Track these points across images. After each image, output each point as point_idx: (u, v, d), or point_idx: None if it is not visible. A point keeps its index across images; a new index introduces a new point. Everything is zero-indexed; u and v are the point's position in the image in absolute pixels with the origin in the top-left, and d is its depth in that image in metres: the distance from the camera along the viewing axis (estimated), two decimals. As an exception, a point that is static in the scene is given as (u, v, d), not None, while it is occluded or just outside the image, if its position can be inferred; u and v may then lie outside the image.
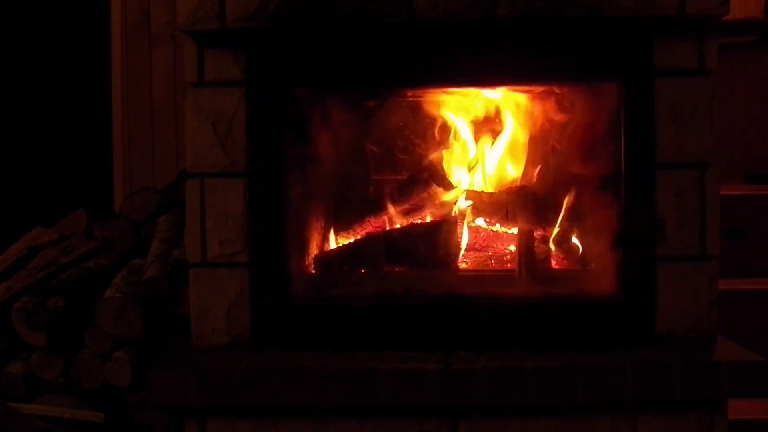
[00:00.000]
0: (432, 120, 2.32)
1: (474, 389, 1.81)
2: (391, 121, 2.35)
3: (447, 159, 2.34)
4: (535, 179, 2.28)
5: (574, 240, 2.21)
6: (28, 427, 2.01)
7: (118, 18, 3.49)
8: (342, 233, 2.30)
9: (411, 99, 2.30)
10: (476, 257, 2.26)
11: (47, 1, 3.70)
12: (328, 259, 2.21)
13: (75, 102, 3.69)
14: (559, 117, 2.24)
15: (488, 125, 2.32)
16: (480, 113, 2.29)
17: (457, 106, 2.30)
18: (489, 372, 1.82)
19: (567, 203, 2.18)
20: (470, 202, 2.25)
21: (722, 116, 1.98)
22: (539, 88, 2.19)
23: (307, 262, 2.16)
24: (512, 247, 2.22)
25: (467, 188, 2.30)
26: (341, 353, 1.93)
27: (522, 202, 2.21)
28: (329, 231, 2.28)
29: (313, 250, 2.20)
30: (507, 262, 2.23)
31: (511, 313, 1.98)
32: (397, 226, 2.28)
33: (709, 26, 1.92)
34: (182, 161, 2.17)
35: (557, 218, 2.21)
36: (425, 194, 2.27)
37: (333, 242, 2.28)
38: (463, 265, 2.21)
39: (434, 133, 2.34)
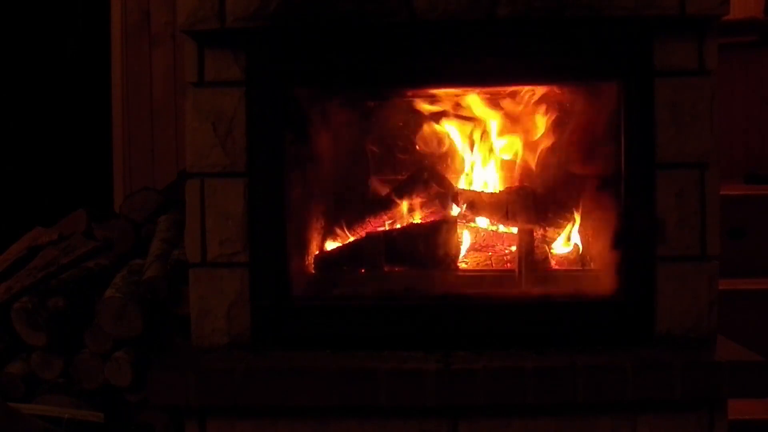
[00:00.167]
0: (431, 120, 2.32)
1: (474, 389, 1.81)
2: (391, 121, 2.35)
3: (447, 159, 2.34)
4: (535, 179, 2.28)
5: (574, 240, 2.21)
6: (28, 427, 2.01)
7: (118, 18, 3.49)
8: (342, 233, 2.29)
9: (411, 99, 2.30)
10: (476, 257, 2.26)
11: (47, 1, 3.70)
12: (328, 259, 2.21)
13: (75, 102, 3.69)
14: (559, 117, 2.24)
15: (488, 125, 2.32)
16: (480, 113, 2.29)
17: (456, 106, 2.30)
18: (489, 372, 1.82)
19: (567, 203, 2.18)
20: (470, 202, 2.25)
21: (722, 116, 1.98)
22: (539, 88, 2.19)
23: (307, 262, 2.16)
24: (513, 248, 2.22)
25: (467, 188, 2.30)
26: (341, 353, 1.93)
27: (522, 202, 2.21)
28: (329, 231, 2.28)
29: (313, 250, 2.20)
30: (507, 262, 2.23)
31: (511, 313, 1.98)
32: (398, 226, 2.28)
33: (709, 26, 1.92)
34: (182, 161, 2.17)
35: (557, 218, 2.21)
36: (425, 194, 2.27)
37: (333, 242, 2.28)
38: (463, 265, 2.21)
39: (434, 133, 2.34)
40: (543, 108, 2.23)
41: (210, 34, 1.95)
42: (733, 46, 3.38)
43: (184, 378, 1.85)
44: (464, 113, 2.30)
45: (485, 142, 2.32)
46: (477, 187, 2.32)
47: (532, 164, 2.29)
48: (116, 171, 3.53)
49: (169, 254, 2.35)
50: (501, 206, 2.23)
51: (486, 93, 2.26)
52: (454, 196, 2.26)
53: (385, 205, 2.30)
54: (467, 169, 2.34)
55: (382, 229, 2.27)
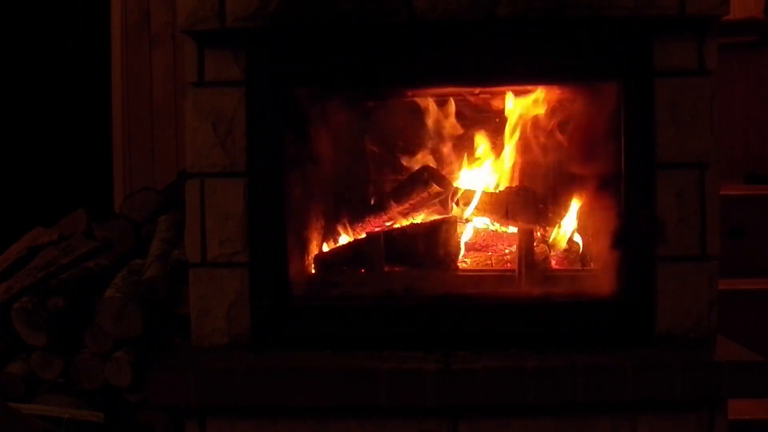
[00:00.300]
0: (431, 120, 2.32)
1: (474, 389, 1.81)
2: (391, 121, 2.35)
3: (447, 159, 2.34)
4: (535, 179, 2.28)
5: (575, 240, 2.21)
6: (28, 427, 2.01)
7: (118, 18, 3.49)
8: (342, 233, 2.29)
9: (411, 99, 2.30)
10: (476, 257, 2.26)
11: (47, 1, 3.70)
12: (328, 259, 2.21)
13: (75, 102, 3.69)
14: (559, 117, 2.24)
15: (488, 125, 2.32)
16: (480, 113, 2.29)
17: (456, 106, 2.30)
18: (489, 372, 1.82)
19: (567, 203, 2.18)
20: (470, 202, 2.25)
21: (722, 116, 1.98)
22: (539, 88, 2.19)
23: (307, 262, 2.16)
24: (513, 248, 2.22)
25: (467, 188, 2.29)
26: (341, 353, 1.93)
27: (522, 202, 2.21)
28: (329, 231, 2.28)
29: (313, 250, 2.20)
30: (507, 262, 2.23)
31: (511, 313, 1.98)
32: (397, 225, 2.28)
33: (709, 26, 1.92)
34: (182, 161, 2.17)
35: (557, 218, 2.21)
36: (425, 194, 2.27)
37: (333, 242, 2.28)
38: (463, 265, 2.21)
39: (434, 133, 2.34)
40: (543, 108, 2.23)
41: (210, 34, 1.95)
42: (733, 46, 3.38)
43: (184, 378, 1.85)
44: (464, 113, 2.30)
45: (485, 142, 2.32)
46: (477, 187, 2.32)
47: (532, 164, 2.29)
48: (116, 171, 3.53)
49: (169, 254, 2.35)
50: (501, 206, 2.23)
51: (486, 93, 2.27)
52: (454, 196, 2.26)
53: (385, 205, 2.30)
54: (467, 169, 2.34)
55: (382, 229, 2.27)
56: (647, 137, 1.94)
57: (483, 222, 2.29)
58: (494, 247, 2.29)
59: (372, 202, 2.38)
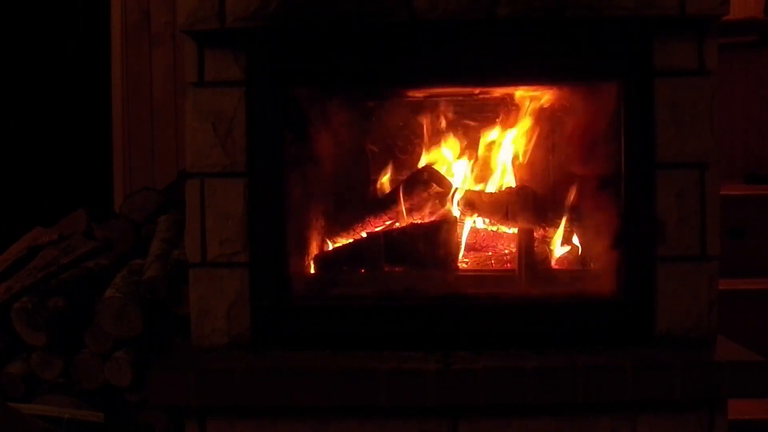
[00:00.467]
0: (431, 120, 2.32)
1: (474, 389, 1.81)
2: (391, 121, 2.35)
3: (447, 159, 2.34)
4: (535, 179, 2.28)
5: (575, 240, 2.21)
6: (28, 427, 2.01)
7: (118, 18, 3.49)
8: (342, 233, 2.29)
9: (411, 99, 2.30)
10: (476, 257, 2.26)
11: (47, 1, 3.70)
12: (328, 259, 2.21)
13: (75, 102, 3.68)
14: (559, 117, 2.24)
15: (488, 125, 2.32)
16: (480, 113, 2.29)
17: (456, 106, 2.30)
18: (489, 372, 1.82)
19: (567, 203, 2.18)
20: (470, 202, 2.25)
21: (722, 116, 1.98)
22: (539, 88, 2.19)
23: (307, 262, 2.16)
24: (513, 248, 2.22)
25: (467, 188, 2.29)
26: (341, 353, 1.93)
27: (522, 202, 2.21)
28: (329, 231, 2.28)
29: (313, 250, 2.20)
30: (507, 262, 2.22)
31: (511, 313, 1.98)
32: (397, 225, 2.28)
33: (709, 26, 1.92)
34: (182, 161, 2.17)
35: (557, 218, 2.21)
36: (425, 194, 2.27)
37: (333, 242, 2.28)
38: (463, 265, 2.21)
39: (434, 133, 2.34)
40: (543, 108, 2.23)
41: (210, 34, 1.95)
42: (733, 46, 3.38)
43: (184, 378, 1.85)
44: (464, 113, 2.30)
45: (485, 142, 2.32)
46: (477, 187, 2.32)
47: (532, 164, 2.29)
48: (116, 171, 3.53)
49: (169, 254, 2.35)
50: (501, 206, 2.23)
51: (486, 93, 2.27)
52: (455, 195, 2.26)
53: (385, 205, 2.30)
54: (467, 169, 2.34)
55: (382, 229, 2.27)
56: (647, 137, 1.94)
57: (483, 222, 2.29)
58: (494, 247, 2.29)
59: (372, 202, 2.38)
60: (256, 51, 1.98)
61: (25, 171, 3.70)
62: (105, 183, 3.55)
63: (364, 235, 2.26)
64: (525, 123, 2.26)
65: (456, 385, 1.82)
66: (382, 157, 2.39)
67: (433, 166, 2.30)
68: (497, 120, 2.31)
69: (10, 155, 3.71)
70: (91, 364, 2.23)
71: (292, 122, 2.04)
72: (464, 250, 2.24)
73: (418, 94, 2.27)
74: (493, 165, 2.33)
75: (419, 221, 2.27)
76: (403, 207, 2.28)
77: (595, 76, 2.03)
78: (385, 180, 2.36)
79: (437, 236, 2.15)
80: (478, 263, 2.24)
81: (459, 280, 2.12)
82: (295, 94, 2.06)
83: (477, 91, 2.26)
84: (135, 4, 3.49)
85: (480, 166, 2.34)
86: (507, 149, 2.31)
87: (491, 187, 2.31)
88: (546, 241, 2.22)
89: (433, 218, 2.26)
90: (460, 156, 2.34)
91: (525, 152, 2.29)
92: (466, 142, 2.33)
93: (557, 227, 2.22)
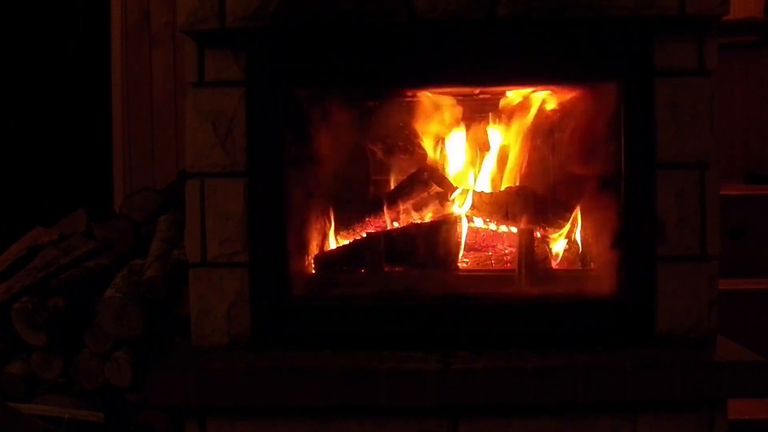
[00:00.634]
0: (431, 120, 2.32)
1: (474, 389, 1.81)
2: (391, 121, 2.35)
3: (447, 159, 2.34)
4: (535, 179, 2.28)
5: (574, 240, 2.21)
6: (28, 427, 2.01)
7: (118, 18, 3.49)
8: (342, 233, 2.29)
9: (411, 99, 2.30)
10: (476, 257, 2.26)
11: (47, 1, 3.70)
12: (328, 259, 2.21)
13: (75, 102, 3.68)
14: (559, 117, 2.24)
15: (488, 125, 2.32)
16: (480, 113, 2.29)
17: (456, 106, 2.30)
18: (489, 372, 1.82)
19: (567, 203, 2.18)
20: (470, 202, 2.25)
21: (722, 116, 1.98)
22: (539, 88, 2.19)
23: (307, 262, 2.16)
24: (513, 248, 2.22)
25: (467, 188, 2.29)
26: (341, 353, 1.93)
27: (522, 202, 2.21)
28: (329, 231, 2.28)
29: (313, 250, 2.20)
30: (507, 262, 2.22)
31: (511, 313, 1.98)
32: (397, 225, 2.28)
33: (709, 26, 1.92)
34: (182, 161, 2.17)
35: (557, 218, 2.21)
36: (425, 194, 2.27)
37: (333, 242, 2.28)
38: (463, 265, 2.21)
39: (433, 133, 2.34)
40: (543, 108, 2.23)
41: (210, 34, 1.95)
42: (733, 46, 3.38)
43: (184, 378, 1.85)
44: (464, 113, 2.30)
45: (485, 142, 2.32)
46: (477, 187, 2.32)
47: (532, 164, 2.29)
48: (116, 171, 3.53)
49: (169, 254, 2.35)
50: (501, 206, 2.23)
51: (486, 93, 2.27)
52: (455, 195, 2.26)
53: (386, 204, 2.30)
54: (467, 169, 2.34)
55: (382, 229, 2.27)
56: (647, 137, 1.94)
57: (483, 222, 2.29)
58: (494, 247, 2.29)
59: (372, 202, 2.38)
60: (256, 51, 1.98)
61: (25, 171, 3.70)
62: (105, 183, 3.55)
63: (364, 235, 2.26)
64: (525, 123, 2.26)
65: (456, 385, 1.82)
66: (382, 157, 2.39)
67: (433, 166, 2.30)
68: (497, 120, 2.30)
69: (10, 155, 3.71)
70: (91, 364, 2.23)
71: (292, 122, 2.04)
72: (464, 250, 2.24)
73: (419, 93, 2.27)
74: (493, 165, 2.33)
75: (419, 221, 2.27)
76: (403, 207, 2.28)
77: (595, 76, 2.03)
78: (385, 180, 2.36)
79: (437, 236, 2.15)
80: (478, 263, 2.24)
81: (459, 280, 2.12)
82: (295, 94, 2.06)
83: (477, 91, 2.27)
84: (135, 4, 3.49)
85: (480, 166, 2.34)
86: (507, 149, 2.31)
87: (491, 187, 2.31)
88: (546, 241, 2.22)
89: (433, 218, 2.26)
90: (460, 156, 2.34)
91: (525, 152, 2.29)
92: (465, 142, 2.33)
93: (557, 227, 2.22)
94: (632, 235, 1.96)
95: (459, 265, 2.19)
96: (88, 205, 2.85)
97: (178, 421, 2.02)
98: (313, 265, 2.18)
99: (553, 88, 2.18)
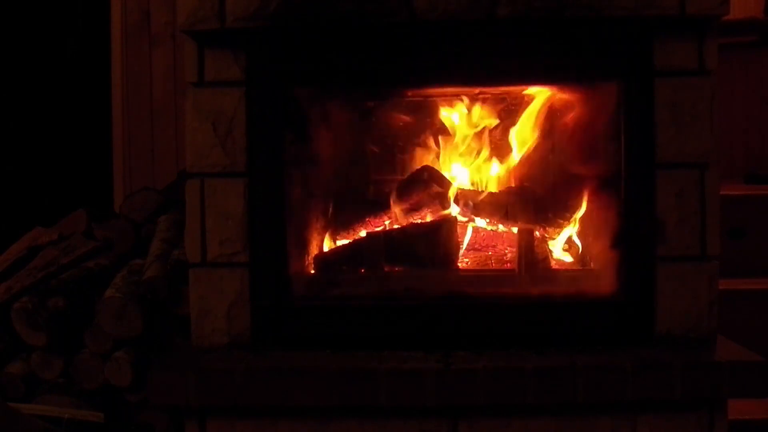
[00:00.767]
0: (431, 120, 2.32)
1: (474, 389, 1.81)
2: (391, 121, 2.35)
3: (447, 159, 2.34)
4: (535, 179, 2.28)
5: (574, 240, 2.21)
6: (28, 427, 2.01)
7: (118, 18, 3.49)
8: (342, 233, 2.29)
9: (411, 99, 2.30)
10: (476, 257, 2.26)
11: (47, 1, 3.70)
12: (328, 259, 2.21)
13: (75, 102, 3.69)
14: (559, 117, 2.24)
15: (488, 125, 2.32)
16: (480, 113, 2.29)
17: (456, 106, 2.30)
18: (489, 372, 1.82)
19: (567, 203, 2.18)
20: (470, 202, 2.25)
21: (722, 116, 1.98)
22: (539, 88, 2.19)
23: (307, 262, 2.16)
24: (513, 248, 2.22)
25: (467, 188, 2.29)
26: (341, 353, 1.93)
27: (522, 202, 2.21)
28: (329, 231, 2.28)
29: (313, 250, 2.20)
30: (507, 262, 2.22)
31: (511, 313, 1.98)
32: (397, 225, 2.28)
33: (709, 26, 1.92)
34: (182, 161, 2.17)
35: (557, 218, 2.21)
36: (425, 194, 2.27)
37: (333, 242, 2.28)
38: (463, 265, 2.21)
39: (434, 133, 2.34)
40: (543, 108, 2.23)
41: (210, 34, 1.95)
42: (733, 46, 3.38)
43: (184, 378, 1.85)
44: (464, 113, 2.30)
45: (485, 142, 2.32)
46: (477, 187, 2.32)
47: (532, 164, 2.29)
48: (116, 171, 3.53)
49: (169, 254, 2.36)
50: (501, 206, 2.23)
51: (486, 93, 2.27)
52: (455, 195, 2.26)
53: (386, 204, 2.30)
54: (467, 169, 2.34)
55: (382, 228, 2.27)
56: (647, 137, 1.94)
57: (483, 222, 2.29)
58: (494, 247, 2.29)
59: (372, 202, 2.38)
60: (256, 51, 1.98)
61: (25, 171, 3.70)
62: (105, 183, 3.55)
63: (363, 235, 2.26)
64: (525, 123, 2.26)
65: (456, 385, 1.82)
66: (382, 157, 2.39)
67: (433, 166, 2.30)
68: (497, 120, 2.30)
69: (10, 155, 3.71)
70: (91, 364, 2.23)
71: (292, 122, 2.04)
72: (464, 249, 2.24)
73: (418, 94, 2.27)
74: (493, 165, 2.33)
75: (419, 221, 2.27)
76: (402, 207, 2.28)
77: (595, 76, 2.03)
78: (385, 180, 2.36)
79: (437, 236, 2.15)
80: (478, 263, 2.24)
81: (459, 280, 2.12)
82: (295, 94, 2.06)
83: (477, 91, 2.26)
84: (135, 4, 3.49)
85: (480, 166, 2.34)
86: (507, 149, 2.31)
87: (491, 187, 2.31)
88: (546, 241, 2.22)
89: (433, 218, 2.26)
90: (460, 156, 2.34)
91: (525, 152, 2.29)
92: (465, 142, 2.33)
93: (557, 227, 2.22)
94: (632, 235, 1.96)
95: (459, 265, 2.19)
96: (88, 205, 2.85)
97: (178, 421, 2.02)
98: (313, 265, 2.18)
99: (553, 88, 2.18)
